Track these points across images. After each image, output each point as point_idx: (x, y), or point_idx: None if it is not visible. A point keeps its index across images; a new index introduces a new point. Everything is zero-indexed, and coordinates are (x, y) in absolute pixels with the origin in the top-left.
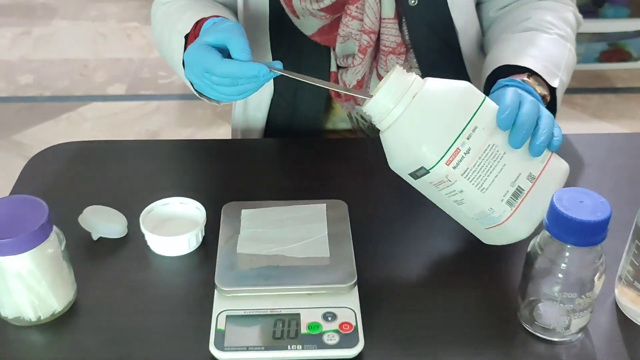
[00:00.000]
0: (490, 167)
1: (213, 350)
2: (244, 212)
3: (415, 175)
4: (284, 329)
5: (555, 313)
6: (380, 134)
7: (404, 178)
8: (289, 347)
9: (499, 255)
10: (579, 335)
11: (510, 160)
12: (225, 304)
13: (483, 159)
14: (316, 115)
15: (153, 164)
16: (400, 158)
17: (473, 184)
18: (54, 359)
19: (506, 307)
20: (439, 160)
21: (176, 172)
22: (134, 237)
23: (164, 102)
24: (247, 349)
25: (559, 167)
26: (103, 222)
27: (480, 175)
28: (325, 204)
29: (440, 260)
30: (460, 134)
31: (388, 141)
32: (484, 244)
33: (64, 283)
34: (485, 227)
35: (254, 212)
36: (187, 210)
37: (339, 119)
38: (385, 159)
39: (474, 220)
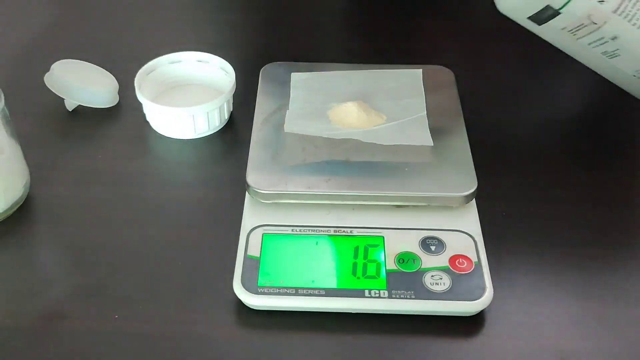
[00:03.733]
0: None
1: (239, 289)
2: (294, 76)
3: (538, 18)
4: (357, 262)
5: None
6: None
7: (524, 25)
8: (367, 292)
9: None
10: None
11: None
12: (261, 216)
13: None
14: None
15: (159, 12)
16: None
17: (634, 23)
18: None
19: None
20: None
21: (193, 23)
22: (127, 109)
23: None
24: (296, 291)
25: None
26: (82, 84)
27: None
28: (421, 70)
29: (594, 161)
30: None
31: None
32: None
33: (7, 170)
34: None
35: (310, 76)
36: (208, 72)
37: None
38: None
39: (637, 79)
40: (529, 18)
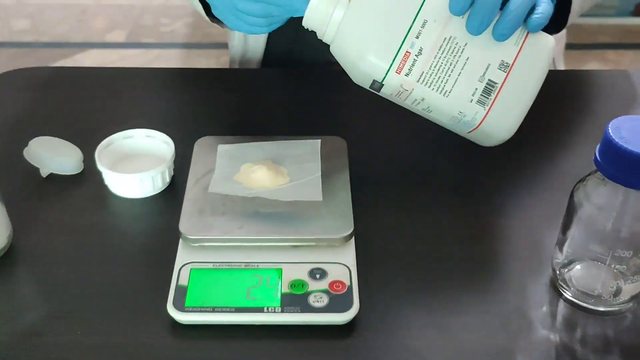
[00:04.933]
0: (450, 65)
1: (171, 310)
2: (220, 147)
3: (374, 88)
4: (260, 288)
5: (602, 276)
6: (330, 50)
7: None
8: (265, 309)
9: (528, 202)
10: (631, 304)
11: (475, 51)
12: (190, 255)
13: (440, 58)
14: (320, 41)
15: (116, 93)
16: (354, 73)
17: (433, 89)
18: None
19: (539, 266)
20: (388, 70)
21: (144, 103)
22: (90, 175)
23: (165, 50)
24: (213, 310)
25: (540, 42)
26: (53, 156)
27: (439, 78)
28: (320, 140)
29: (455, 208)
30: (407, 34)
31: (338, 56)
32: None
33: None
34: (466, 132)
35: (233, 147)
36: (154, 145)
37: None
38: None
39: (452, 125)
40: (370, 88)
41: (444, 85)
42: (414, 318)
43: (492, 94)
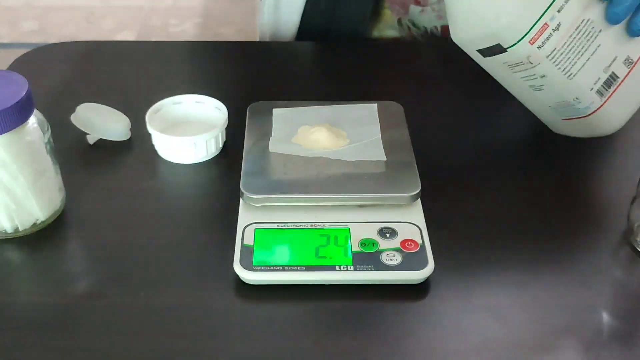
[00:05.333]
0: (582, 48)
1: (238, 269)
2: (275, 111)
3: (486, 52)
4: (329, 246)
5: None
6: None
7: (467, 52)
8: (337, 267)
9: (602, 161)
10: None
11: (606, 40)
12: (253, 216)
13: (574, 38)
14: (361, 18)
15: (162, 64)
16: (470, 29)
17: (559, 68)
18: (36, 279)
19: (616, 225)
20: (522, 38)
21: (191, 72)
22: (138, 141)
23: None
24: (283, 268)
25: None
26: (101, 121)
27: (569, 58)
28: (376, 104)
29: (520, 171)
30: (550, 5)
31: (456, 4)
32: (578, 149)
33: (48, 185)
34: (562, 118)
35: (288, 111)
36: (204, 111)
37: (387, 26)
38: (444, 63)
39: (551, 109)
40: (479, 50)
41: (571, 68)
42: (490, 277)
43: (612, 87)
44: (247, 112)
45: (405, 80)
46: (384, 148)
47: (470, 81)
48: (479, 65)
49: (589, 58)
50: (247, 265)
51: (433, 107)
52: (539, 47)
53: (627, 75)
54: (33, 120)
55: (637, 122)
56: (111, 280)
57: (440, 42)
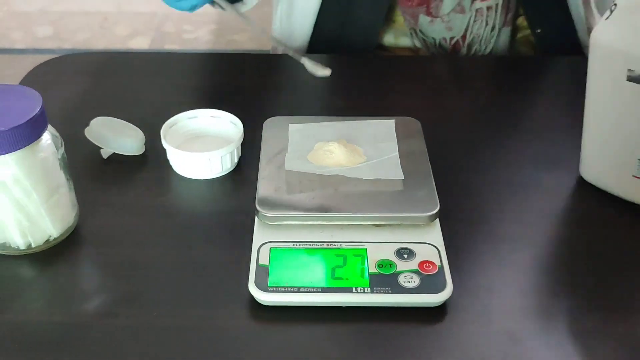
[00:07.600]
0: None
1: (253, 289)
2: (291, 127)
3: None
4: (345, 267)
5: None
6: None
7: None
8: (354, 289)
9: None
10: None
11: None
12: (268, 234)
13: None
14: (373, 25)
15: (177, 76)
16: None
17: None
18: (47, 297)
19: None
20: None
21: (206, 85)
22: (153, 155)
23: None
24: (299, 290)
25: None
26: (115, 136)
27: None
28: (394, 120)
29: (537, 186)
30: None
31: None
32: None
33: (62, 202)
34: None
35: (304, 126)
36: (220, 125)
37: (400, 33)
38: (461, 77)
39: None
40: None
41: None
42: (509, 300)
43: None
44: (263, 128)
45: (422, 94)
46: (401, 165)
47: (489, 96)
48: (497, 80)
49: None
50: (262, 286)
51: (451, 123)
52: None
53: None
54: (47, 137)
55: None
56: (123, 300)
57: (454, 56)
